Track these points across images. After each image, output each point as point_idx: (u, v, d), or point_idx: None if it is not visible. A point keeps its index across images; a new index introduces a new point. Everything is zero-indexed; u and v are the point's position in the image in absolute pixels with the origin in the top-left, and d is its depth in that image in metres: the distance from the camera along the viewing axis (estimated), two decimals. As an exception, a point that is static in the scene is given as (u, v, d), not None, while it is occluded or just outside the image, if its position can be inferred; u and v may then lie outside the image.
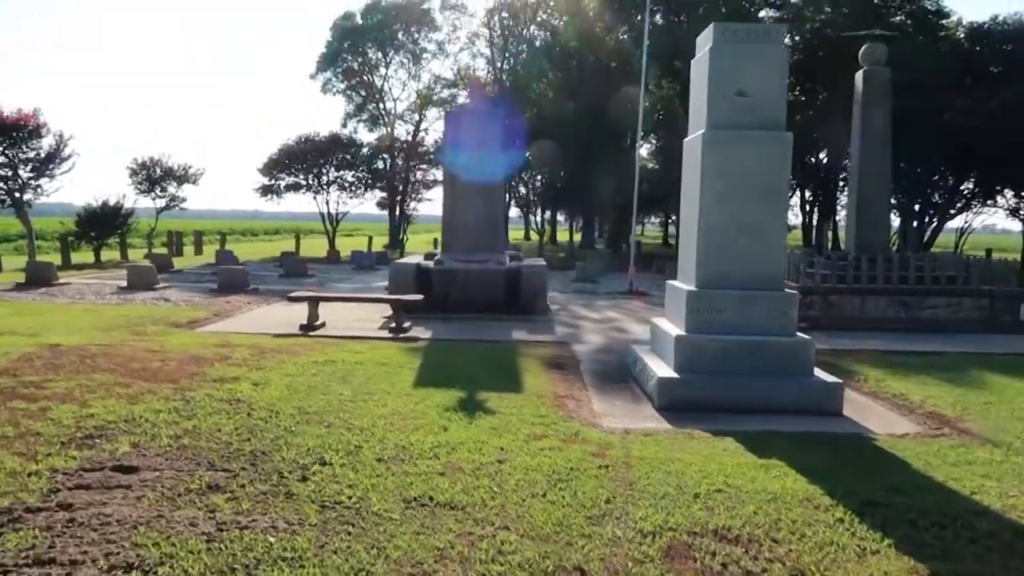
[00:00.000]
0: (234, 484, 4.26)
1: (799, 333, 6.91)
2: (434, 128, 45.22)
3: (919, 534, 3.76)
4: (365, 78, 41.15)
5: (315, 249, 32.34)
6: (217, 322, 11.30)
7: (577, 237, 47.11)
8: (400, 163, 39.75)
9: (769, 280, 6.89)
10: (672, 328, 7.15)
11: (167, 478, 4.35)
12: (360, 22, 41.40)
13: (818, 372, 6.82)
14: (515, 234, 58.18)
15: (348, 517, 3.80)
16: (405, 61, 43.63)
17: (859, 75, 13.72)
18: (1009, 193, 27.87)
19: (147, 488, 4.18)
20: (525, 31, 41.98)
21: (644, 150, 46.24)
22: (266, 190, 31.17)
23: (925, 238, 32.86)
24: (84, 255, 24.75)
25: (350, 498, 4.06)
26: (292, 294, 11.25)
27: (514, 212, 49.78)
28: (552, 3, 39.44)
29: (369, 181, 33.67)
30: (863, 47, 13.80)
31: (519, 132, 28.32)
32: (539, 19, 41.86)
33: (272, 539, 3.48)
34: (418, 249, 35.77)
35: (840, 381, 6.73)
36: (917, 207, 31.68)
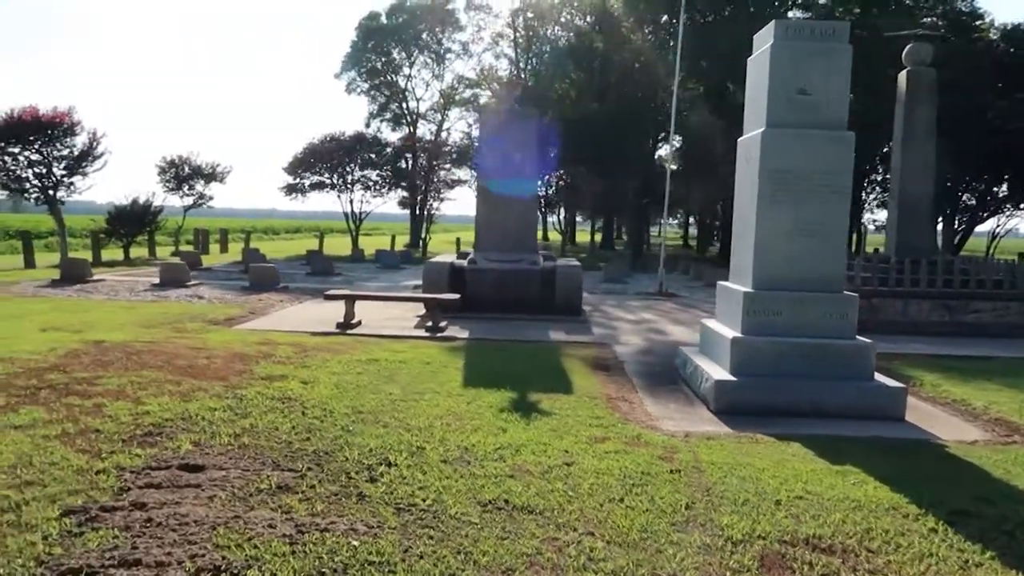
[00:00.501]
0: (303, 485, 4.19)
1: (857, 336, 6.74)
2: (456, 128, 45.31)
3: (1020, 546, 3.62)
4: (389, 77, 41.26)
5: (338, 247, 32.40)
6: (253, 320, 11.27)
7: (597, 237, 46.93)
8: (423, 162, 39.77)
9: (829, 282, 6.74)
10: (726, 330, 7.01)
11: (235, 477, 4.29)
12: (385, 22, 41.55)
13: (879, 376, 6.66)
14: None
15: (427, 520, 3.71)
16: (429, 61, 43.77)
17: (903, 75, 13.47)
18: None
19: (217, 487, 4.11)
20: (549, 31, 41.92)
21: (664, 150, 46.10)
22: (291, 189, 31.26)
23: (955, 241, 32.42)
24: (113, 252, 24.92)
25: (424, 500, 3.97)
26: (328, 292, 11.21)
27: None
28: (576, 3, 39.31)
29: (393, 180, 33.66)
30: (907, 47, 13.55)
31: (552, 133, 28.19)
32: (563, 19, 41.81)
33: (355, 542, 3.39)
34: (440, 249, 35.81)
35: (904, 386, 6.56)
36: (948, 210, 31.29)
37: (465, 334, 10.47)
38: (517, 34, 40.03)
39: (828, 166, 6.65)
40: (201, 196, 27.54)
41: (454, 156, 38.22)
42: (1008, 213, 29.72)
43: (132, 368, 7.15)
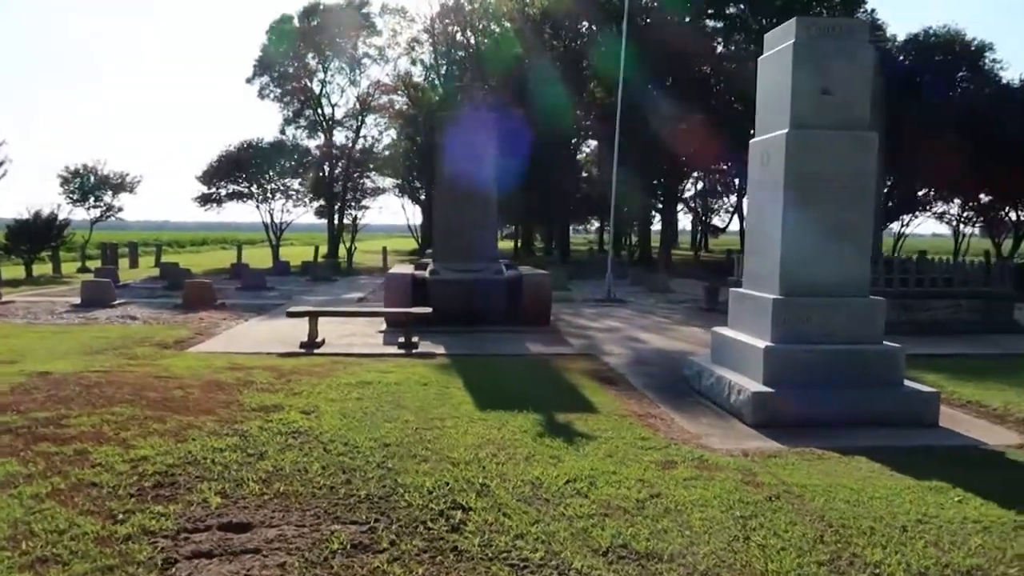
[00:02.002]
0: (382, 540, 3.59)
1: (886, 341, 6.62)
2: (372, 134, 44.06)
3: None
4: (304, 83, 39.74)
5: (257, 260, 30.82)
6: (206, 341, 10.31)
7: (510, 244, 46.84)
8: (340, 170, 38.44)
9: (856, 286, 6.60)
10: (750, 339, 6.75)
11: (294, 536, 3.64)
12: (297, 25, 40.04)
13: (908, 381, 6.56)
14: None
15: (555, 579, 3.20)
16: (344, 66, 42.48)
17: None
18: (957, 201, 29.06)
19: (280, 551, 3.46)
20: (467, 38, 41.47)
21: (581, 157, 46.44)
22: (206, 199, 29.50)
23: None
24: (13, 270, 22.71)
25: (534, 553, 3.45)
26: (291, 310, 10.38)
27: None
28: (495, 10, 39.03)
29: (313, 189, 32.35)
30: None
31: (512, 138, 27.60)
32: (481, 26, 41.45)
33: (495, 615, 2.85)
34: (365, 260, 34.74)
35: (936, 391, 6.48)
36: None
37: (440, 350, 9.89)
38: (436, 40, 39.33)
39: (853, 167, 6.51)
40: (109, 208, 25.57)
41: (377, 163, 37.18)
42: (915, 215, 31.36)
43: (99, 404, 6.24)
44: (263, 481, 4.44)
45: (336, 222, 40.15)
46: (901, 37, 32.66)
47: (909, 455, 5.24)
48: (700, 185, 45.07)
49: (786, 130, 6.50)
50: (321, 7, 40.31)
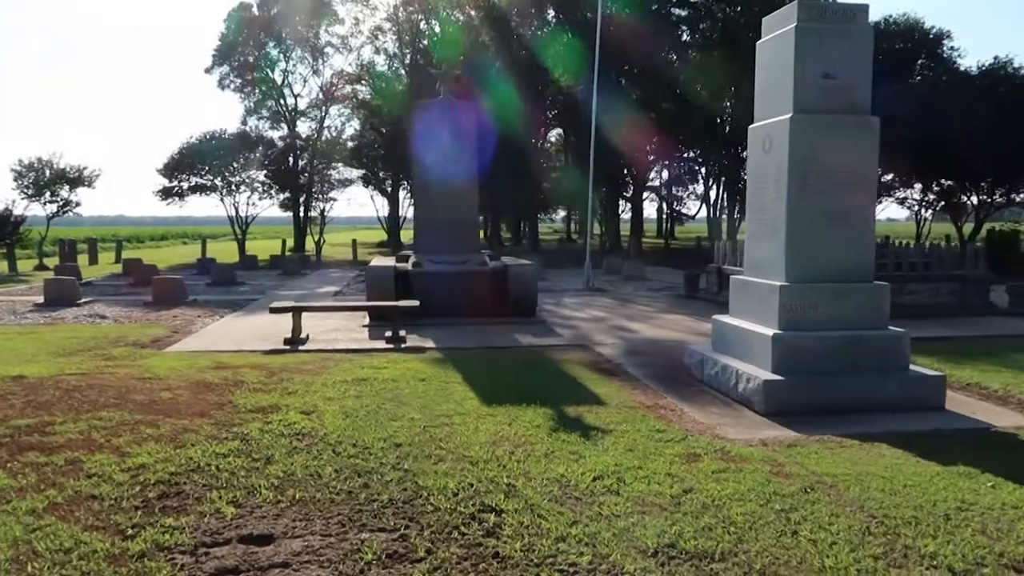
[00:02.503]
0: (417, 549, 3.40)
1: (890, 326, 6.59)
2: (336, 125, 43.38)
3: None
4: (264, 72, 38.89)
5: (222, 254, 30.09)
6: (184, 340, 9.94)
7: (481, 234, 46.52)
8: (304, 162, 37.72)
9: (861, 271, 6.55)
10: (756, 326, 6.67)
11: (322, 547, 3.43)
12: (257, 13, 39.15)
13: (914, 366, 6.54)
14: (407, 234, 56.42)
15: (610, 584, 3.05)
16: (306, 56, 41.67)
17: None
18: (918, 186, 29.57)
19: (312, 565, 3.25)
20: (431, 26, 40.92)
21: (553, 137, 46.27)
22: (167, 192, 28.66)
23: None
24: (-35, 269, 21.83)
25: (581, 557, 3.29)
26: (273, 305, 10.05)
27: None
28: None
29: (278, 182, 31.66)
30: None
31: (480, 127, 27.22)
32: (444, 14, 40.91)
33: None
34: (334, 253, 34.16)
35: (943, 374, 6.48)
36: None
37: (429, 343, 9.67)
38: (402, 28, 38.72)
39: (857, 152, 6.45)
40: (67, 203, 24.66)
41: (344, 154, 36.58)
42: (880, 200, 31.83)
43: (84, 409, 5.92)
44: (276, 488, 4.21)
45: (302, 214, 39.52)
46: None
47: (927, 440, 5.20)
48: (665, 174, 45.32)
49: (789, 115, 6.41)
50: (281, -7, 39.43)
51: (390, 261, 12.97)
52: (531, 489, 4.16)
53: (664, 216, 70.30)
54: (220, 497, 4.05)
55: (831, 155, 6.40)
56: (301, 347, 9.44)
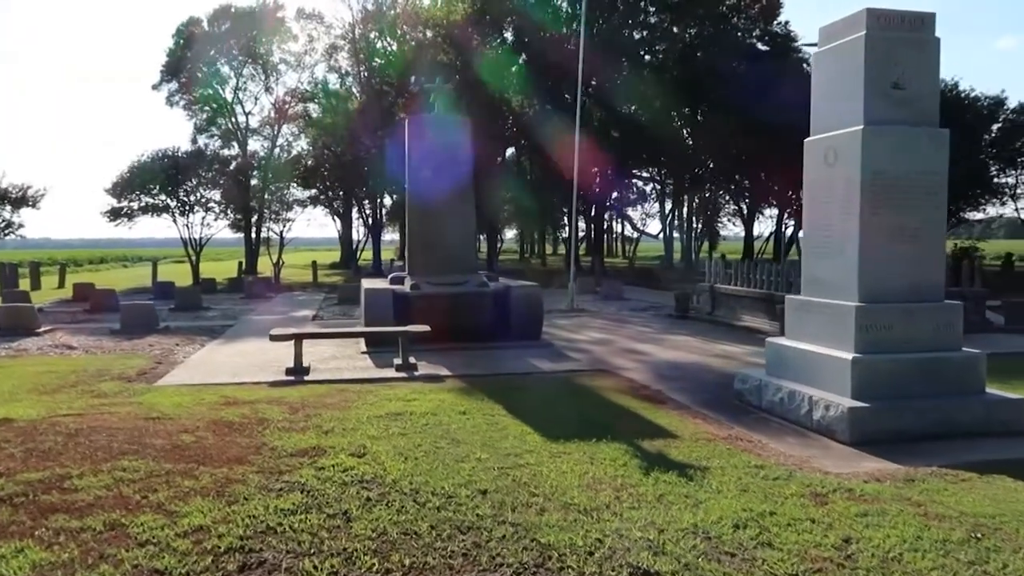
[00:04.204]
0: (594, 630, 2.84)
1: (965, 347, 6.32)
2: (287, 144, 42.09)
3: None
4: (216, 89, 37.62)
5: (176, 277, 28.67)
6: (173, 372, 9.10)
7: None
8: (257, 182, 36.42)
9: (932, 290, 6.27)
10: (824, 349, 6.31)
11: (476, 632, 2.84)
12: (207, 28, 37.94)
13: (990, 388, 6.27)
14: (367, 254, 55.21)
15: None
16: (256, 73, 40.54)
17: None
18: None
19: (478, 657, 2.66)
20: (387, 44, 40.30)
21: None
22: (115, 213, 27.16)
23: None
24: None
25: (795, 633, 2.79)
26: (273, 333, 9.28)
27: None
28: (417, 16, 38.04)
29: (233, 202, 30.39)
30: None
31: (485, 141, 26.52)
32: (399, 32, 40.34)
33: None
34: (293, 275, 32.99)
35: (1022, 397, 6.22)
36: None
37: (443, 371, 9.07)
38: (358, 46, 37.92)
39: (927, 166, 6.18)
40: (9, 224, 23.08)
41: (296, 174, 35.49)
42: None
43: (99, 458, 5.15)
44: (376, 552, 3.59)
45: (255, 235, 38.16)
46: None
47: (1045, 470, 4.88)
48: (616, 194, 45.47)
49: (859, 127, 6.10)
50: (233, 9, 38.36)
51: (384, 283, 12.30)
52: (673, 544, 3.64)
53: (615, 235, 70.75)
54: (316, 567, 3.41)
55: (903, 168, 6.12)
56: (306, 377, 8.73)
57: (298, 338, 9.13)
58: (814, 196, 6.70)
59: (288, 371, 8.88)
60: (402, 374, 8.92)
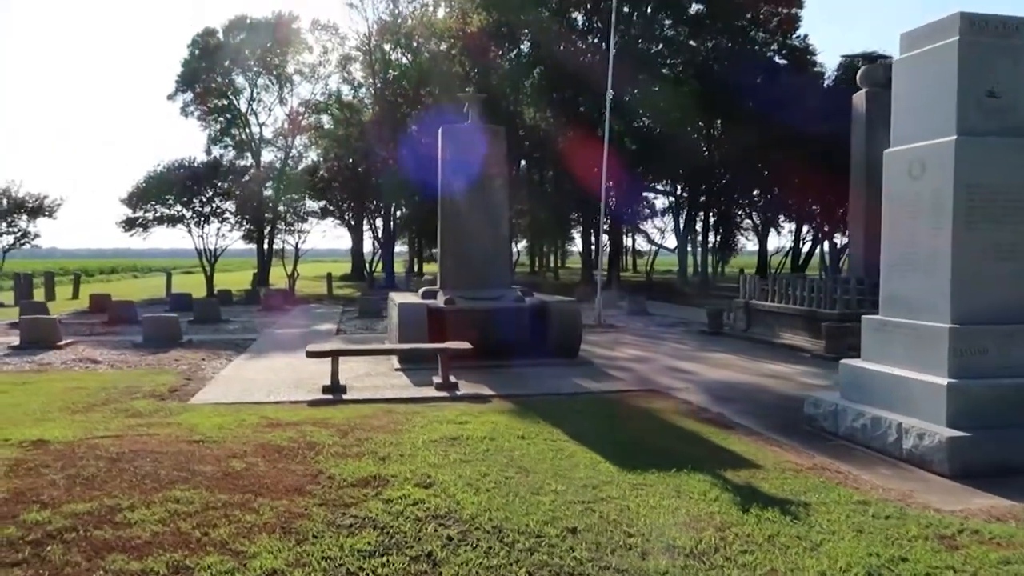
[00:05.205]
0: None
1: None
2: (300, 154, 41.93)
3: None
4: (231, 100, 37.51)
5: (190, 288, 28.41)
6: (205, 389, 8.74)
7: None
8: (270, 192, 36.16)
9: (1028, 311, 5.88)
10: (912, 373, 5.91)
11: None
12: (222, 39, 37.89)
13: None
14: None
15: None
16: (270, 84, 40.46)
17: (859, 96, 13.48)
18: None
19: None
20: (402, 56, 40.15)
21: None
22: (131, 223, 26.94)
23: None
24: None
25: None
26: (310, 349, 8.93)
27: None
28: (433, 27, 37.92)
29: (247, 212, 30.12)
30: (861, 69, 13.62)
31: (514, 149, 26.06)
32: (415, 44, 40.21)
33: None
34: (307, 287, 32.71)
35: None
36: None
37: (486, 390, 8.70)
38: (373, 57, 37.77)
39: (1022, 178, 5.81)
40: (25, 234, 22.84)
41: (308, 185, 35.23)
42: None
43: (147, 487, 4.78)
44: (477, 605, 3.21)
45: (267, 246, 37.94)
46: (832, 63, 33.70)
47: None
48: (633, 207, 45.15)
49: (951, 137, 5.74)
50: (248, 21, 38.32)
51: (415, 298, 11.94)
52: (808, 598, 3.25)
53: (626, 249, 70.33)
54: (416, 624, 3.03)
55: (998, 181, 5.75)
56: (344, 396, 8.36)
57: (335, 355, 8.78)
58: (896, 210, 6.33)
59: (325, 389, 8.52)
60: (443, 393, 8.55)
